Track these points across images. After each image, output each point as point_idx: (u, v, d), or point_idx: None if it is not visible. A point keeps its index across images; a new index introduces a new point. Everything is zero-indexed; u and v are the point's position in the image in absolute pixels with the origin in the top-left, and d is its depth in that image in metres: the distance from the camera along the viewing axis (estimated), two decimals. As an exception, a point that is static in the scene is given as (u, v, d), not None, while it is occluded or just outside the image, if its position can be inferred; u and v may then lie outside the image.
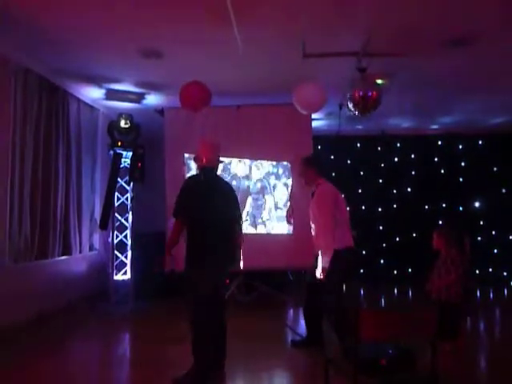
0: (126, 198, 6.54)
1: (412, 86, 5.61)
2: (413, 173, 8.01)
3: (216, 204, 3.19)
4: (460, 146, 8.00)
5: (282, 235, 6.29)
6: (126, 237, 6.49)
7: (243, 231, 3.58)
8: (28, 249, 4.87)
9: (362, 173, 7.98)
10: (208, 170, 3.32)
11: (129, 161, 6.24)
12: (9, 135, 4.59)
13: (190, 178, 3.54)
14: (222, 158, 3.50)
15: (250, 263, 5.91)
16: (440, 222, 7.48)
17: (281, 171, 6.39)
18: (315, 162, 4.09)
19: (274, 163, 6.40)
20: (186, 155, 6.28)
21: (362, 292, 7.03)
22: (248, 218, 6.23)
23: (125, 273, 6.40)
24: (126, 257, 6.45)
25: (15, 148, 4.67)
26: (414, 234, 7.73)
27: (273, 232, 6.32)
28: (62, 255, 5.58)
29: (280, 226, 6.31)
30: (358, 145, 7.99)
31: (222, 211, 3.21)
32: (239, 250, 3.36)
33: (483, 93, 5.91)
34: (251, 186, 6.33)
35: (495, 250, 7.76)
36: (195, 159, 3.41)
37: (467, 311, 3.39)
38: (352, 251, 3.81)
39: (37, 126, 5.03)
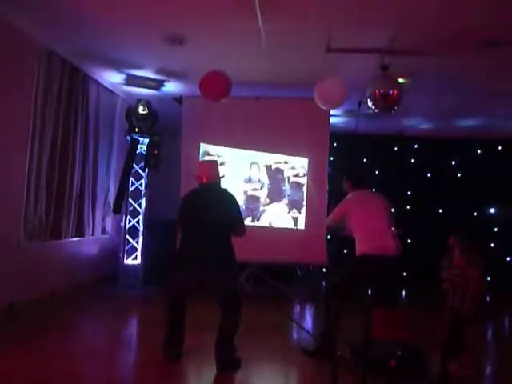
0: (141, 184, 6.58)
1: (434, 87, 5.52)
2: (428, 175, 7.92)
3: (197, 215, 3.52)
4: (479, 151, 7.87)
5: (291, 230, 6.28)
6: (138, 222, 6.54)
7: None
8: (42, 228, 4.93)
9: (376, 172, 7.91)
10: (202, 187, 3.68)
11: (145, 147, 6.27)
12: (30, 114, 4.63)
13: (186, 194, 3.87)
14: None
15: (259, 256, 5.96)
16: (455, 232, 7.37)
17: (286, 167, 6.34)
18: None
19: (280, 160, 6.34)
20: (203, 145, 6.29)
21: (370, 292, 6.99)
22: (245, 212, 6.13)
23: (135, 258, 6.46)
24: (137, 242, 6.51)
25: (35, 128, 4.71)
26: (426, 237, 7.64)
27: (277, 226, 6.29)
28: (75, 237, 5.64)
29: (282, 221, 6.29)
30: (375, 144, 7.90)
31: (204, 220, 3.47)
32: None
33: (507, 97, 5.79)
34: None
35: (508, 258, 7.65)
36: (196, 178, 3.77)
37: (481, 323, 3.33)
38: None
39: (57, 107, 5.06)
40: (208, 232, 3.46)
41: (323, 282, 7.00)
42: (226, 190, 3.82)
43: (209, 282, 3.48)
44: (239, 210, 3.68)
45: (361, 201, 3.98)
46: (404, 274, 7.64)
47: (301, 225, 6.26)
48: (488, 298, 6.36)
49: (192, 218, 3.57)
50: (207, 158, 6.19)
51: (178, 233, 3.90)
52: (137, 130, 6.06)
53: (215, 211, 3.50)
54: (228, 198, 3.66)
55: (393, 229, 3.92)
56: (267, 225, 6.27)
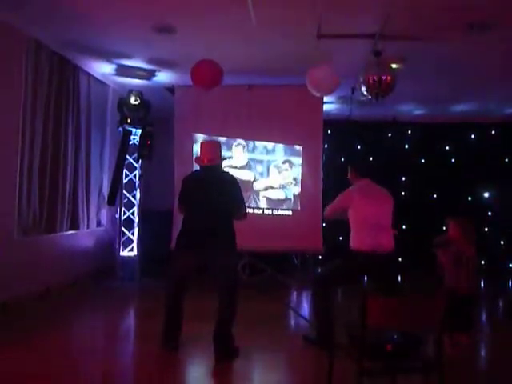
0: (134, 175, 6.55)
1: (426, 72, 5.50)
2: (423, 161, 7.93)
3: (199, 197, 3.54)
4: (472, 136, 7.88)
5: (287, 216, 6.29)
6: (133, 214, 6.52)
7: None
8: (36, 222, 4.91)
9: (371, 159, 7.91)
10: (203, 169, 3.69)
11: (138, 138, 6.23)
12: (19, 109, 4.57)
13: (186, 175, 3.89)
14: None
15: (255, 244, 5.97)
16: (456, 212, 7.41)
17: (277, 155, 6.32)
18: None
19: (270, 146, 6.32)
20: (196, 134, 6.25)
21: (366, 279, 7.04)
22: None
23: (131, 249, 6.45)
24: (132, 233, 6.50)
25: (25, 122, 4.65)
26: (422, 223, 7.67)
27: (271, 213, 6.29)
28: (70, 230, 5.62)
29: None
30: (369, 130, 7.88)
31: (206, 202, 3.49)
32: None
33: (499, 81, 5.78)
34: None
35: (501, 242, 7.71)
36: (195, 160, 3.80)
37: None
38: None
39: (47, 100, 5.00)
40: (210, 214, 3.47)
41: (319, 269, 7.04)
42: (227, 172, 3.86)
43: (210, 263, 3.50)
44: (240, 192, 3.65)
45: (366, 192, 3.74)
46: (399, 259, 7.70)
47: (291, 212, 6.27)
48: (482, 281, 6.49)
49: (194, 199, 3.58)
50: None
51: (179, 215, 3.90)
52: (129, 120, 6.01)
53: (217, 193, 3.50)
54: (229, 181, 3.66)
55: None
56: (262, 211, 6.28)
